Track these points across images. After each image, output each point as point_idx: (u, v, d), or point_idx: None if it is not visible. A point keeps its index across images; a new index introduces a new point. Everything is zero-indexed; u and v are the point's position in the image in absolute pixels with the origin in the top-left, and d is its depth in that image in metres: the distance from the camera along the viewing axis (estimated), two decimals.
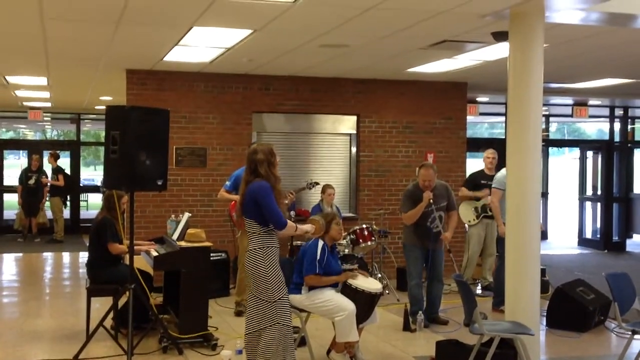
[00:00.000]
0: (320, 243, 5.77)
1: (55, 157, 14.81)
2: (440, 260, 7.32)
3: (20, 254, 12.98)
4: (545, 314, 7.27)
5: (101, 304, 6.71)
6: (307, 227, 5.24)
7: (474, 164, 10.90)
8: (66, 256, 12.97)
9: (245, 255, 4.93)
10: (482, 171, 9.30)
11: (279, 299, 4.83)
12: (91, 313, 6.54)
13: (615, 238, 14.53)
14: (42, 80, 10.79)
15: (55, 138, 24.67)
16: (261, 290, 4.83)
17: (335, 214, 6.25)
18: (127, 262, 6.27)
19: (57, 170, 14.66)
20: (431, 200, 7.03)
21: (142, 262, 6.79)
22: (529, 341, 5.42)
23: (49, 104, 14.63)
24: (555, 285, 7.72)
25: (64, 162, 15.71)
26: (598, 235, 14.60)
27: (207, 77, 9.73)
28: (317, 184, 9.09)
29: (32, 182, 14.55)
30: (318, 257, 5.69)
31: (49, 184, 14.53)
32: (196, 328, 6.29)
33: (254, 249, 4.85)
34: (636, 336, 5.42)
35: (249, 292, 4.98)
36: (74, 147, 17.01)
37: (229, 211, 8.25)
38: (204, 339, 6.29)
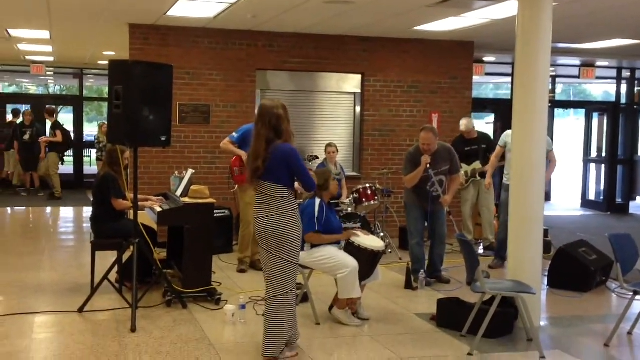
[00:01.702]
0: (318, 201, 5.78)
1: (50, 113, 14.44)
2: (442, 221, 7.29)
3: (24, 208, 13.04)
4: (547, 274, 7.32)
5: (104, 258, 6.75)
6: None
7: (478, 124, 10.83)
8: (69, 211, 13.02)
9: (272, 219, 4.56)
10: (461, 137, 9.26)
11: (297, 262, 4.73)
12: (95, 267, 6.57)
13: (619, 200, 14.54)
14: (45, 34, 10.69)
15: (58, 93, 24.55)
16: (289, 252, 4.60)
17: (331, 171, 6.20)
18: (131, 217, 6.28)
19: (55, 126, 14.31)
20: (428, 165, 6.97)
21: (145, 218, 6.80)
22: (530, 300, 5.46)
23: (51, 59, 14.53)
24: (558, 246, 7.75)
25: (67, 117, 15.57)
26: (601, 197, 14.62)
27: (210, 32, 9.63)
28: (317, 157, 9.12)
29: (27, 137, 14.32)
30: (317, 215, 5.71)
31: (46, 141, 14.25)
32: (200, 283, 6.33)
33: (286, 212, 4.57)
34: (637, 297, 5.46)
35: (266, 255, 4.66)
36: (77, 102, 16.93)
37: (230, 165, 8.07)
38: (207, 293, 6.34)
